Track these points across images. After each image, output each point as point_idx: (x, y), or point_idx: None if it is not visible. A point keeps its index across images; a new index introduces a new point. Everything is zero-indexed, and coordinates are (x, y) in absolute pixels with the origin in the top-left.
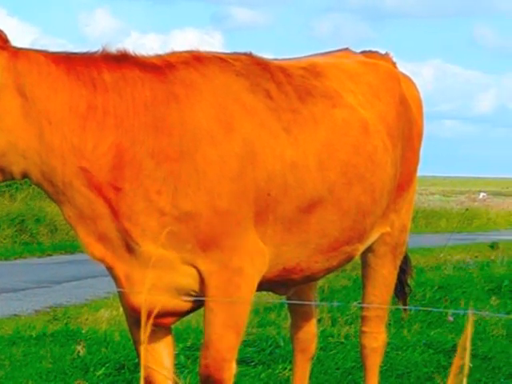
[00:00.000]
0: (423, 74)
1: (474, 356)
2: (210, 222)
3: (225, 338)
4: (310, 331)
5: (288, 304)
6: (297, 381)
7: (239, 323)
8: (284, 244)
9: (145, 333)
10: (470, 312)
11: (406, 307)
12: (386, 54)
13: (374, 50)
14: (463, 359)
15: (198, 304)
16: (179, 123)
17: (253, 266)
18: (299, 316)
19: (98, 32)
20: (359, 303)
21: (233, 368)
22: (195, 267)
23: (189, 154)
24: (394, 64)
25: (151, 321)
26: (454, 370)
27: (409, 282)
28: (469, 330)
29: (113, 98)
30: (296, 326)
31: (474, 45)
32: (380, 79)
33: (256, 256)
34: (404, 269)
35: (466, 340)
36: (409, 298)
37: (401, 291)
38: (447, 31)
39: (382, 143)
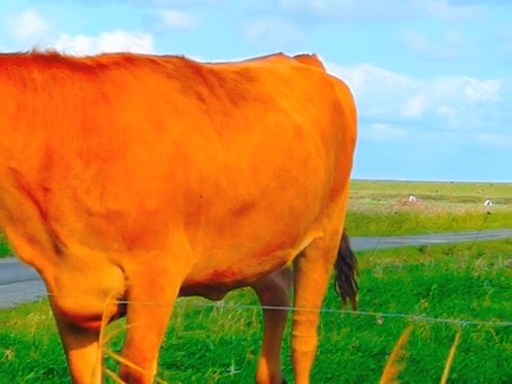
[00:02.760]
0: (353, 78)
1: (402, 359)
2: (138, 221)
3: (147, 337)
4: (278, 298)
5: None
6: (267, 340)
7: (161, 323)
8: (216, 247)
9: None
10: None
11: (355, 308)
12: (313, 55)
13: (306, 53)
14: (394, 364)
15: (127, 308)
16: (109, 123)
17: (176, 268)
18: (262, 288)
19: (26, 34)
20: (290, 307)
21: (153, 367)
22: (121, 267)
23: (119, 153)
24: (321, 64)
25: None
26: (385, 376)
27: (355, 279)
28: (404, 337)
29: (43, 98)
30: (261, 299)
31: (404, 49)
32: (313, 84)
33: (179, 257)
34: (350, 265)
35: (399, 346)
36: (336, 301)
37: (349, 289)
38: (377, 35)
39: (315, 148)
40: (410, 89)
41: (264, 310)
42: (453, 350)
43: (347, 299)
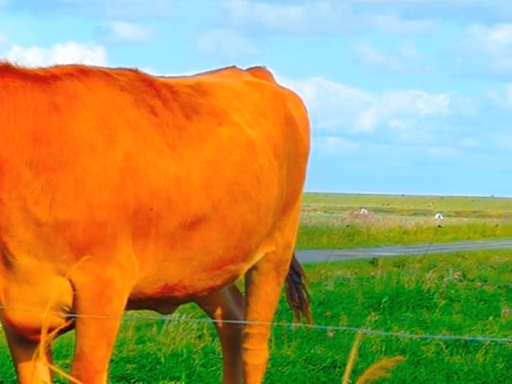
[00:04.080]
0: (305, 91)
1: (353, 372)
2: (87, 232)
3: (97, 349)
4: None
5: (197, 303)
6: (228, 373)
7: (110, 335)
8: (167, 260)
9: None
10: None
11: (309, 319)
12: (262, 68)
13: (258, 65)
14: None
15: (75, 320)
16: (60, 133)
17: (123, 279)
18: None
19: None
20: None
21: (104, 379)
22: (69, 279)
23: (69, 163)
24: (271, 75)
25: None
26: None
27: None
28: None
29: None
30: (213, 318)
31: (355, 62)
32: (266, 99)
33: (126, 269)
34: (300, 276)
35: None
36: (287, 314)
37: (301, 301)
38: (329, 49)
39: (268, 162)
40: (362, 102)
41: (223, 342)
42: (352, 357)
43: (300, 313)
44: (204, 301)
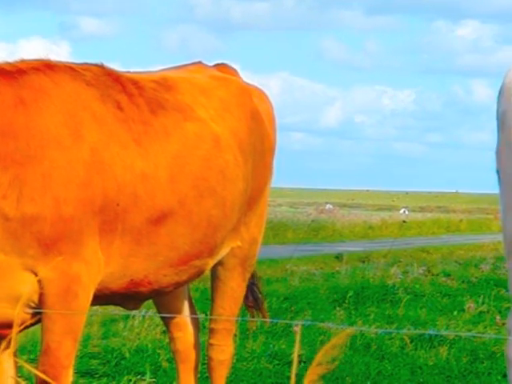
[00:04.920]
0: (271, 87)
1: (317, 366)
2: (55, 227)
3: (63, 345)
4: (187, 341)
5: (161, 317)
6: None
7: (76, 330)
8: (132, 255)
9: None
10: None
11: (266, 316)
12: (227, 65)
13: (224, 62)
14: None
15: (41, 316)
16: (26, 128)
17: (89, 275)
18: (172, 327)
19: None
20: (207, 315)
21: (70, 375)
22: (35, 274)
23: (36, 158)
24: (236, 72)
25: None
26: (307, 382)
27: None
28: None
29: None
30: (172, 338)
31: (321, 58)
32: (231, 94)
33: (92, 265)
34: (252, 275)
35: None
36: (258, 309)
37: (257, 301)
38: (294, 44)
39: (233, 158)
40: (327, 97)
41: (176, 358)
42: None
43: (256, 312)
44: (163, 305)
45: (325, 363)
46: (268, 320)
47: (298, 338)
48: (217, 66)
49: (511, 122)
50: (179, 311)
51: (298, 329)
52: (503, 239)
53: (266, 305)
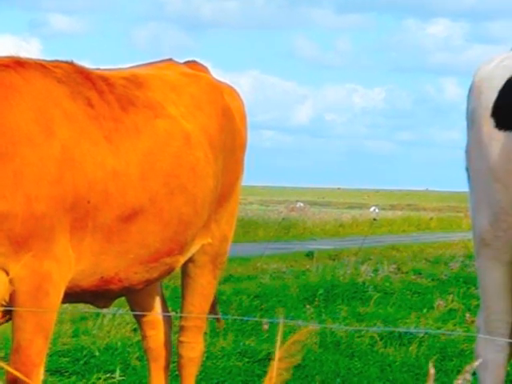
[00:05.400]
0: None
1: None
2: (26, 224)
3: (34, 343)
4: (159, 339)
5: (133, 315)
6: None
7: (47, 328)
8: (103, 253)
9: None
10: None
11: (218, 316)
12: (198, 62)
13: (195, 59)
14: (278, 368)
15: (11, 314)
16: None
17: (60, 273)
18: (145, 325)
19: None
20: (177, 313)
21: (41, 373)
22: (6, 272)
23: (7, 155)
24: (207, 69)
25: None
26: (268, 379)
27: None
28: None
29: None
30: (144, 336)
31: (291, 56)
32: (202, 91)
33: (62, 262)
34: None
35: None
36: (222, 307)
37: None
38: (265, 42)
39: (204, 155)
40: (298, 96)
41: (147, 356)
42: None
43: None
44: (136, 302)
45: (288, 359)
46: (238, 318)
47: (279, 336)
48: (187, 63)
49: (481, 121)
50: (152, 309)
51: (281, 327)
52: (473, 237)
53: (218, 305)
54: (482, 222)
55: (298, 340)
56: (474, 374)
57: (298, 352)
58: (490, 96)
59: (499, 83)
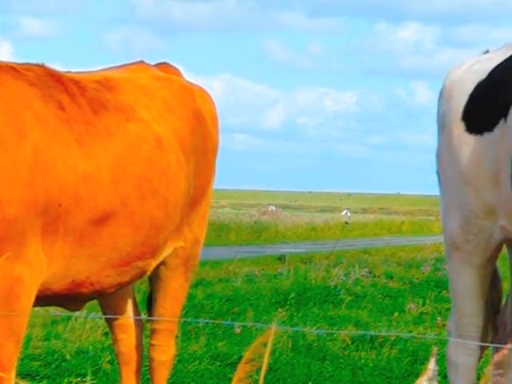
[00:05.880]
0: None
1: (259, 368)
2: None
3: (5, 347)
4: (131, 343)
5: (105, 319)
6: None
7: (19, 332)
8: (74, 256)
9: None
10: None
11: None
12: (169, 64)
13: (167, 61)
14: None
15: None
16: None
17: (31, 276)
18: (116, 329)
19: None
20: (149, 317)
21: (12, 377)
22: None
23: None
24: (178, 71)
25: None
26: (235, 381)
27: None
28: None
29: None
30: (116, 340)
31: (263, 59)
32: (173, 94)
33: (34, 266)
34: None
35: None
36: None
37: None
38: (237, 45)
39: (175, 158)
40: (270, 99)
41: (119, 360)
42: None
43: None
44: (108, 306)
45: (256, 361)
46: (210, 321)
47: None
48: (159, 65)
49: (451, 124)
50: (124, 312)
51: (268, 330)
52: (444, 240)
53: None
54: (453, 225)
55: (264, 342)
56: (445, 376)
57: (268, 354)
58: (461, 100)
59: (470, 87)
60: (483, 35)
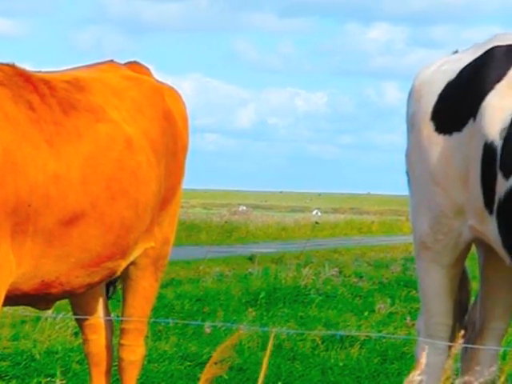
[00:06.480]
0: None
1: (229, 368)
2: None
3: None
4: (101, 344)
5: (75, 319)
6: None
7: None
8: (44, 257)
9: None
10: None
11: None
12: (139, 63)
13: (137, 61)
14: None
15: None
16: None
17: (0, 277)
18: (87, 329)
19: None
20: (118, 316)
21: None
22: None
23: None
24: (148, 70)
25: None
26: (202, 381)
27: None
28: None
29: None
30: (86, 340)
31: (234, 59)
32: (144, 94)
33: (3, 267)
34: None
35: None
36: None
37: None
38: (207, 45)
39: (146, 159)
40: (241, 99)
41: (89, 361)
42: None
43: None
44: (79, 306)
45: (235, 365)
46: (180, 321)
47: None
48: (129, 64)
49: (420, 124)
50: (94, 312)
51: (237, 330)
52: (413, 240)
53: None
54: (422, 225)
55: (233, 342)
56: None
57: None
58: (430, 100)
59: (439, 87)
60: (454, 35)
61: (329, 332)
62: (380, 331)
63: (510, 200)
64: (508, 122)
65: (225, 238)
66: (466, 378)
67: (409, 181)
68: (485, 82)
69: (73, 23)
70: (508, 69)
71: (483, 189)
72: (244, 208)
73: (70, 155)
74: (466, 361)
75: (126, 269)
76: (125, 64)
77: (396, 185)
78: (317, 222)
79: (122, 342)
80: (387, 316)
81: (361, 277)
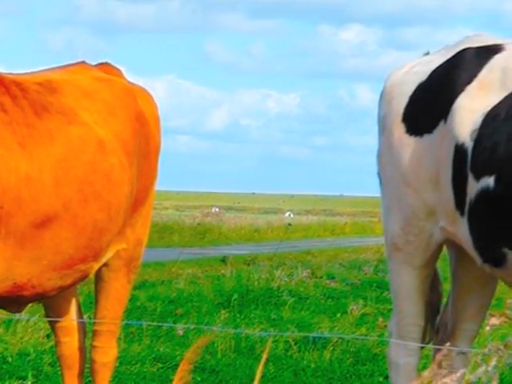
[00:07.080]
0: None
1: (202, 370)
2: None
3: None
4: (74, 346)
5: (48, 321)
6: None
7: None
8: (16, 259)
9: None
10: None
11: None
12: (111, 64)
13: (108, 62)
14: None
15: None
16: None
17: None
18: (59, 331)
19: None
20: (90, 317)
21: None
22: None
23: None
24: (120, 71)
25: None
26: (175, 382)
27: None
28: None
29: None
30: (58, 342)
31: (206, 61)
32: (115, 96)
33: None
34: None
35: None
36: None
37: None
38: (180, 47)
39: (118, 161)
40: (213, 101)
41: (61, 363)
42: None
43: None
44: (51, 308)
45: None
46: (152, 323)
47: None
48: (100, 65)
49: (392, 126)
50: (67, 314)
51: (209, 332)
52: (385, 241)
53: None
54: (394, 226)
55: (204, 344)
56: (386, 377)
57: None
58: (401, 101)
59: (410, 89)
60: (426, 37)
61: (301, 334)
62: (353, 332)
63: (481, 201)
64: (478, 123)
65: (197, 240)
66: (440, 378)
67: (380, 182)
68: (455, 83)
69: (45, 24)
70: (478, 71)
71: (454, 190)
72: (217, 210)
73: (42, 157)
74: (439, 362)
75: (99, 270)
76: (96, 65)
77: (368, 186)
78: (289, 224)
79: (95, 343)
80: (360, 317)
81: (333, 278)
